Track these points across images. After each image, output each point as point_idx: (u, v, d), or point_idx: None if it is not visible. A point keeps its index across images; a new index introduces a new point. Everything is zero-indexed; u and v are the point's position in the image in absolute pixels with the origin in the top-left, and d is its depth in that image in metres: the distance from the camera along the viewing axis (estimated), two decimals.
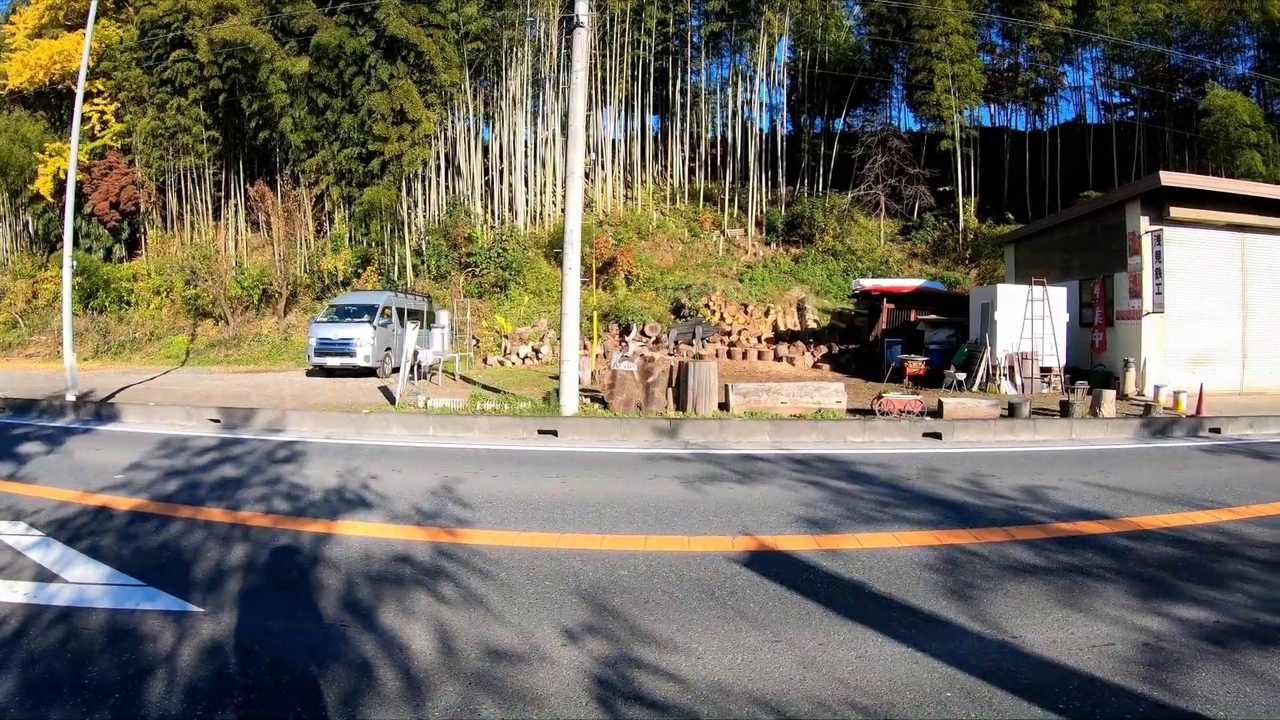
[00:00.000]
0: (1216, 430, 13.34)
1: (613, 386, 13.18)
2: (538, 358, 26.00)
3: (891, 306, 23.63)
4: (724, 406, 13.54)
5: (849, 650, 4.09)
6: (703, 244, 37.97)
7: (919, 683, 3.73)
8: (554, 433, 11.37)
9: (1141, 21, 35.30)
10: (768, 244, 38.12)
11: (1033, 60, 40.13)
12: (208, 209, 40.40)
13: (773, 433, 11.25)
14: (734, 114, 42.50)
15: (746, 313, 29.99)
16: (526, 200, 38.59)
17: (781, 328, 29.31)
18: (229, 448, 10.43)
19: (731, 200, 40.24)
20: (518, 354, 26.10)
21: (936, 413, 13.31)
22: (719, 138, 44.05)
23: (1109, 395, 14.81)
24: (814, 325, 29.40)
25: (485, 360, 25.85)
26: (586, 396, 14.24)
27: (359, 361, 21.25)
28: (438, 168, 38.11)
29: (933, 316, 22.72)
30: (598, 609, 4.62)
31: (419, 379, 19.08)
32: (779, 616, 4.56)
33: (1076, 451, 11.03)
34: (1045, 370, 19.16)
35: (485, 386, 18.17)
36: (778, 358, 25.42)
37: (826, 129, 43.39)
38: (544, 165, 39.23)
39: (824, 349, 25.90)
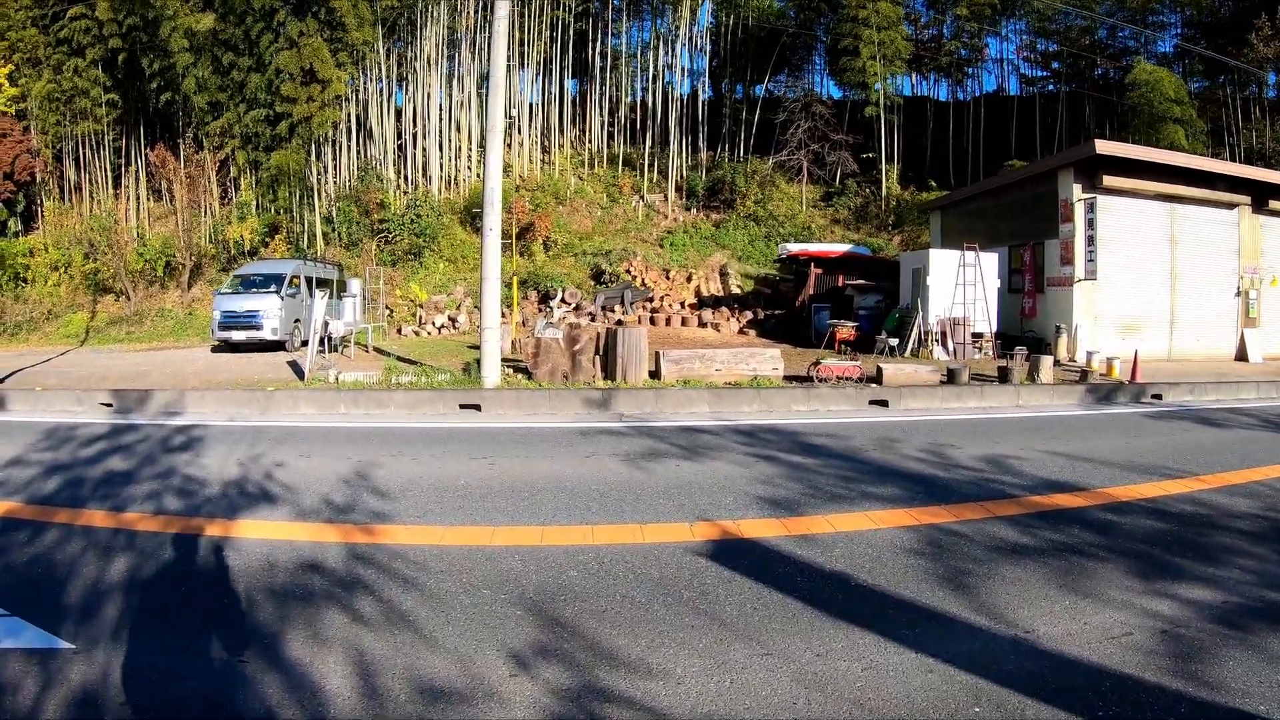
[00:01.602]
0: (1158, 397, 13.29)
1: (537, 355, 12.33)
2: (454, 327, 24.92)
3: (819, 272, 23.26)
4: (655, 375, 12.87)
5: (852, 661, 3.46)
6: (622, 209, 37.15)
7: (942, 698, 3.16)
8: (477, 407, 10.55)
9: None
10: (688, 209, 37.50)
11: (957, 29, 40.24)
12: (108, 178, 37.69)
13: (712, 403, 10.65)
14: (654, 78, 41.63)
15: (669, 278, 29.33)
16: (441, 165, 37.19)
17: (705, 293, 28.74)
18: (120, 435, 9.31)
19: (651, 165, 39.43)
20: (433, 324, 24.94)
21: (876, 379, 12.89)
22: (639, 102, 43.13)
23: (1047, 361, 14.66)
24: (737, 291, 28.91)
25: (400, 331, 24.60)
26: (509, 367, 13.37)
27: (266, 335, 19.86)
28: (349, 131, 36.29)
29: (861, 282, 22.43)
30: (548, 623, 3.86)
31: (330, 352, 17.98)
32: (762, 621, 3.90)
33: (1027, 419, 10.75)
34: (977, 336, 19.04)
35: (401, 358, 17.13)
36: (702, 324, 24.86)
37: (748, 95, 42.86)
38: (459, 129, 37.83)
39: (749, 314, 25.41)
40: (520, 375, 12.72)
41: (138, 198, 37.39)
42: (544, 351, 12.22)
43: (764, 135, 39.12)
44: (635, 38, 44.91)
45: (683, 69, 42.42)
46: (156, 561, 4.88)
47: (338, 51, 32.21)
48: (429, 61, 37.10)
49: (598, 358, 12.58)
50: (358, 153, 37.02)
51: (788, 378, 13.16)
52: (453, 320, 25.07)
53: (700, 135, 40.39)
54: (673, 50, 41.36)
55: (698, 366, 12.65)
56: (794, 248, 25.47)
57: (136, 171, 37.54)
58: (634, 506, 5.96)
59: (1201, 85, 35.22)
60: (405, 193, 35.09)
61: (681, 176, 38.93)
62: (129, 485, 6.84)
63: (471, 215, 33.58)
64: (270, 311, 20.04)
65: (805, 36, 42.73)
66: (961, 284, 18.94)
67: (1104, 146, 18.95)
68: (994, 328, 19.32)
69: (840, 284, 22.94)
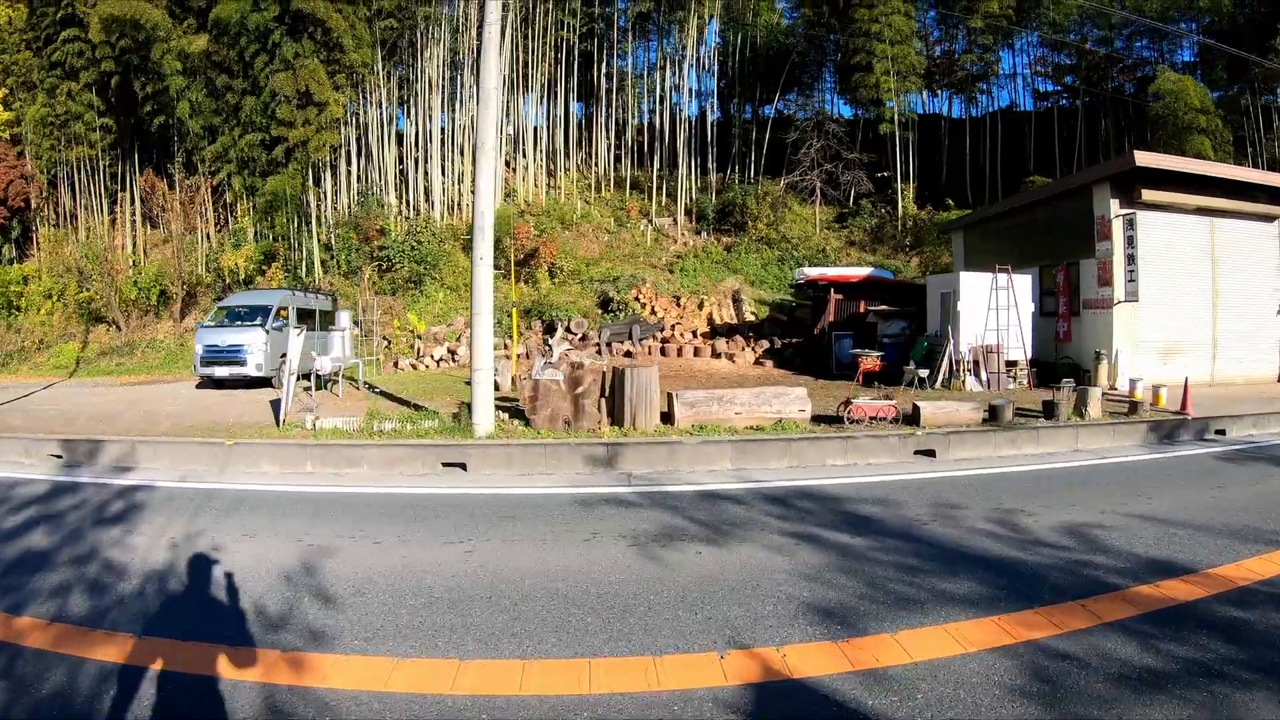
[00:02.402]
0: (1221, 432, 11.99)
1: (535, 399, 11.02)
2: (454, 360, 23.64)
3: (839, 297, 21.93)
4: (667, 419, 11.54)
5: None
6: (630, 234, 35.93)
7: None
8: (462, 465, 9.23)
9: (1086, 4, 34.60)
10: (698, 233, 36.27)
11: (970, 43, 39.23)
12: (103, 204, 36.66)
13: (736, 457, 9.31)
14: (661, 100, 40.60)
15: (679, 305, 28.03)
16: (444, 189, 36.11)
17: (717, 321, 27.45)
18: (54, 500, 8.07)
19: (659, 188, 38.28)
20: (431, 356, 23.65)
21: (913, 418, 11.55)
22: (645, 125, 42.13)
23: (1095, 394, 13.33)
24: (752, 318, 27.59)
25: (396, 364, 23.31)
26: (504, 410, 12.01)
27: (250, 371, 18.62)
28: (349, 156, 35.27)
29: (883, 307, 21.10)
30: None
31: (317, 389, 16.75)
32: None
33: (1093, 469, 9.42)
34: (1010, 364, 17.70)
35: (391, 397, 15.90)
36: (716, 354, 23.53)
37: (757, 115, 41.85)
38: (462, 153, 36.68)
39: (765, 344, 24.04)
40: (517, 421, 11.41)
41: (133, 224, 36.41)
42: (543, 395, 10.91)
43: (775, 156, 37.92)
44: (641, 59, 44.12)
45: (690, 90, 41.41)
46: (30, 698, 3.69)
47: (335, 74, 31.25)
48: (430, 84, 36.13)
49: (603, 400, 11.28)
50: (358, 178, 35.99)
51: (816, 418, 11.83)
52: (452, 353, 23.79)
53: (709, 157, 39.27)
54: (680, 71, 40.37)
55: (716, 409, 11.33)
56: (812, 272, 24.12)
57: (131, 197, 36.50)
58: (644, 622, 4.60)
59: (1220, 95, 33.88)
60: (406, 219, 33.95)
61: (691, 199, 37.75)
62: (40, 573, 5.66)
63: (471, 240, 32.37)
64: (255, 346, 18.83)
65: (816, 55, 41.68)
66: (995, 308, 17.61)
67: (1144, 158, 17.63)
68: (1029, 355, 17.99)
69: (862, 310, 21.61)
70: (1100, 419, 12.44)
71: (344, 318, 19.15)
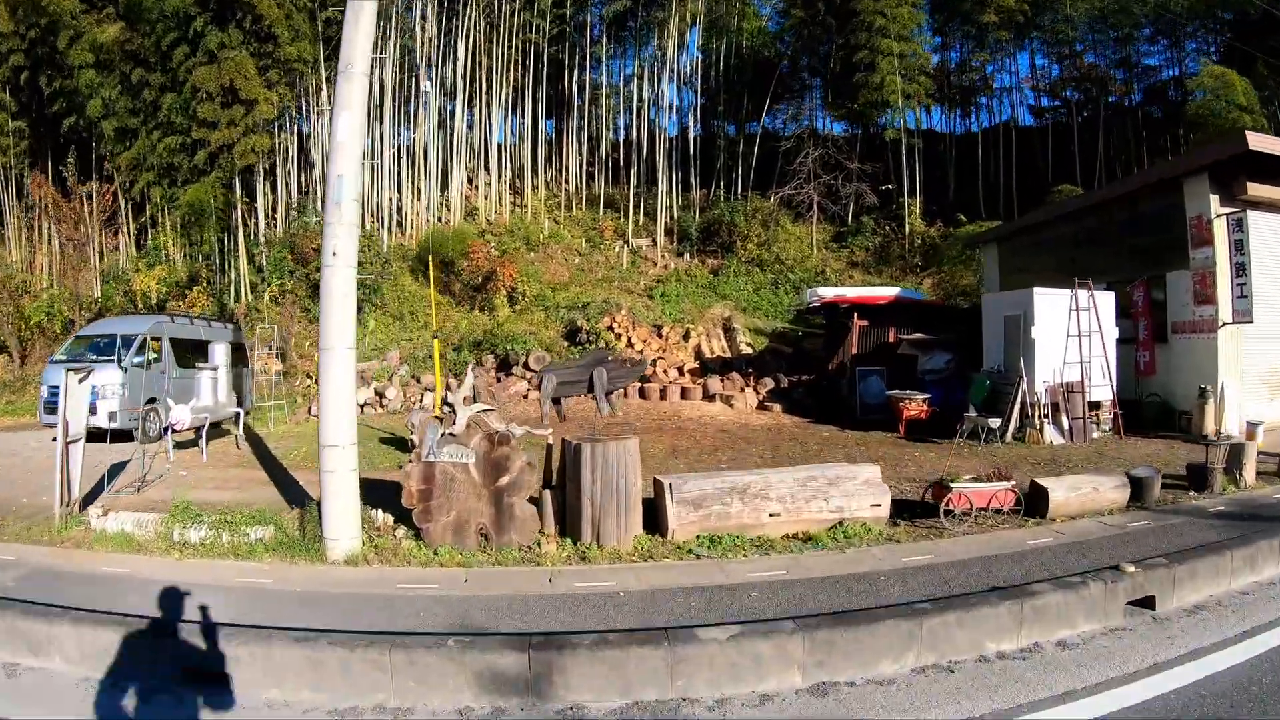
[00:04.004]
0: None
1: (429, 496, 6.65)
2: (382, 404, 19.16)
3: (863, 323, 17.56)
4: (654, 525, 7.21)
5: None
6: (604, 255, 31.82)
7: None
8: (222, 682, 4.65)
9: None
10: (680, 254, 32.19)
11: (976, 46, 35.77)
12: (19, 218, 32.42)
13: (810, 662, 4.68)
14: (639, 112, 36.59)
15: (661, 336, 23.59)
16: (399, 204, 32.23)
17: (707, 354, 23.05)
18: None
19: (637, 206, 34.12)
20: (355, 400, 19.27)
21: (1032, 503, 7.43)
22: (621, 140, 38.25)
23: (1250, 452, 9.37)
24: (747, 350, 23.22)
25: (310, 410, 18.77)
26: (389, 514, 7.54)
27: (99, 421, 14.09)
28: (288, 167, 31.24)
29: (919, 336, 16.86)
30: None
31: (201, 444, 12.53)
32: None
33: None
34: (1093, 406, 13.62)
35: (269, 461, 11.53)
36: (709, 396, 19.15)
37: (742, 128, 37.84)
38: (413, 164, 32.67)
39: (769, 382, 19.59)
40: (405, 530, 7.03)
41: (49, 240, 31.87)
42: (442, 487, 6.55)
43: (764, 169, 34.02)
44: (617, 68, 40.36)
45: (670, 102, 37.54)
46: None
47: (268, 69, 27.33)
48: (382, 87, 31.91)
49: (551, 493, 6.96)
50: (300, 190, 31.78)
51: (895, 515, 7.61)
52: (380, 395, 19.34)
53: (692, 171, 35.34)
54: (658, 80, 36.39)
55: (737, 509, 7.01)
56: (827, 293, 19.60)
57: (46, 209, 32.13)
58: None
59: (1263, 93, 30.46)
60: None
61: (672, 217, 33.71)
62: None
63: (424, 263, 28.28)
64: (108, 389, 14.42)
65: (810, 60, 37.90)
66: (1076, 335, 13.53)
67: (1259, 140, 13.72)
68: (1115, 394, 13.95)
69: (892, 339, 17.35)
70: (1257, 486, 8.55)
71: (218, 352, 14.70)
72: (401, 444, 12.76)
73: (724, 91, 37.80)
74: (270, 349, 21.30)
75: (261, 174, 30.14)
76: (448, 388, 16.40)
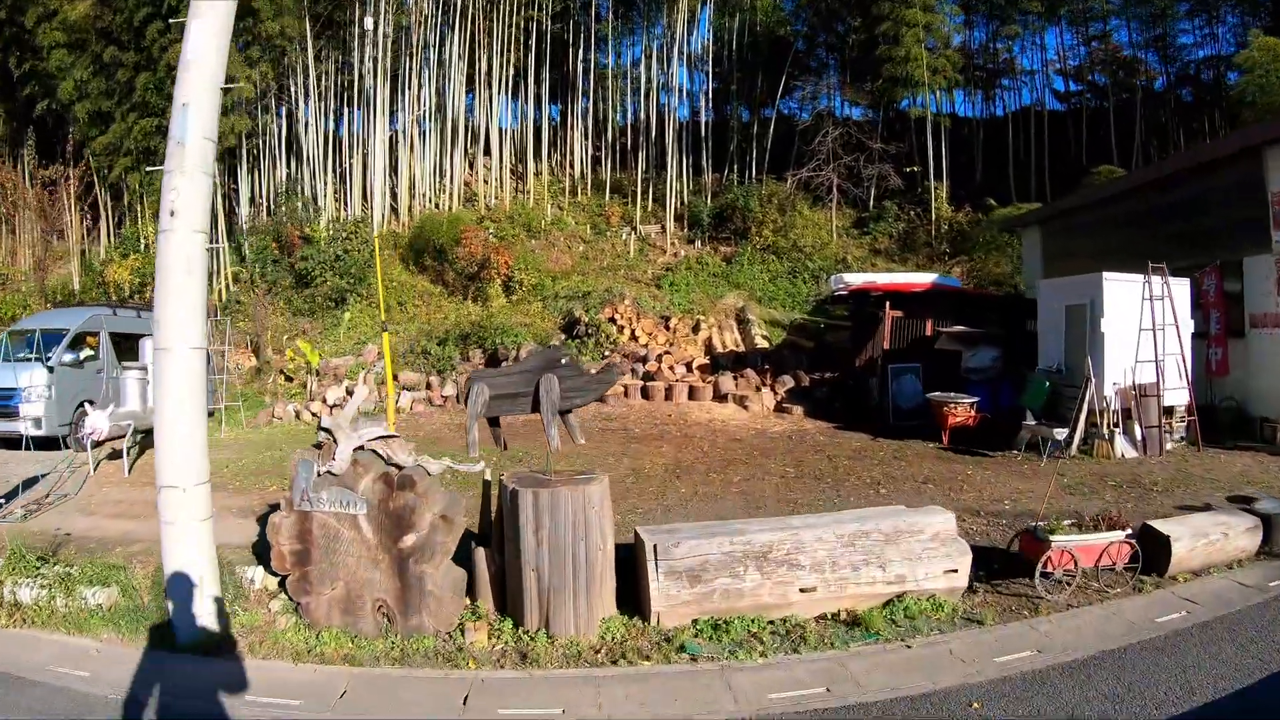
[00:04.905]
0: None
1: (307, 561, 4.72)
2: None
3: (897, 314, 15.43)
4: (633, 607, 5.21)
5: None
6: (609, 243, 29.94)
7: None
8: None
9: None
10: (691, 242, 30.24)
11: (1007, 20, 33.69)
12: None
13: None
14: (647, 94, 34.66)
15: (668, 328, 21.63)
16: (393, 190, 30.42)
17: (719, 348, 21.05)
18: None
19: (645, 191, 32.24)
20: (324, 400, 17.28)
21: (1149, 554, 5.50)
22: (630, 123, 36.28)
23: None
24: (763, 343, 21.23)
25: (275, 413, 16.90)
26: (274, 574, 5.62)
27: (23, 428, 12.32)
28: (277, 152, 29.71)
29: (961, 329, 14.75)
30: None
31: (115, 458, 10.71)
32: None
33: None
34: (1167, 411, 11.60)
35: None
36: (720, 396, 17.16)
37: (756, 111, 35.94)
38: (412, 149, 30.80)
39: (788, 380, 17.54)
40: (285, 604, 5.11)
41: (32, 231, 30.33)
42: (324, 550, 4.56)
43: (780, 152, 32.13)
44: (625, 51, 38.36)
45: (680, 83, 35.50)
46: None
47: (248, 45, 25.70)
48: (373, 67, 30.00)
49: (485, 555, 4.98)
50: (290, 177, 30.07)
51: (973, 582, 5.68)
52: (350, 394, 17.54)
53: (704, 154, 33.40)
54: (668, 61, 34.37)
55: (753, 584, 4.86)
56: (855, 280, 17.31)
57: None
58: None
59: None
60: (339, 224, 27.81)
61: (682, 203, 31.79)
62: None
63: (415, 251, 26.42)
64: (33, 391, 12.62)
65: (827, 37, 35.87)
66: (1150, 329, 11.50)
67: None
68: (1191, 398, 11.93)
69: (929, 332, 15.26)
70: None
71: (146, 348, 12.76)
72: None
73: (737, 71, 35.77)
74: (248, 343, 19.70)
75: (245, 160, 28.67)
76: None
